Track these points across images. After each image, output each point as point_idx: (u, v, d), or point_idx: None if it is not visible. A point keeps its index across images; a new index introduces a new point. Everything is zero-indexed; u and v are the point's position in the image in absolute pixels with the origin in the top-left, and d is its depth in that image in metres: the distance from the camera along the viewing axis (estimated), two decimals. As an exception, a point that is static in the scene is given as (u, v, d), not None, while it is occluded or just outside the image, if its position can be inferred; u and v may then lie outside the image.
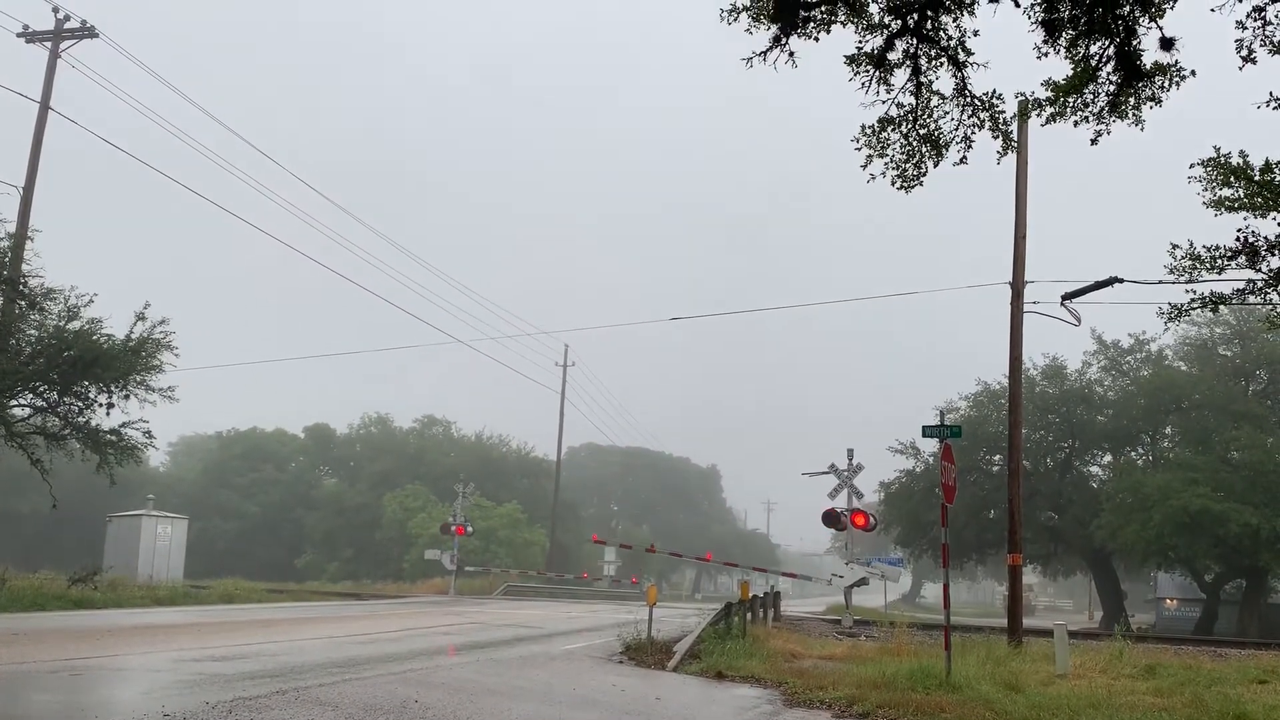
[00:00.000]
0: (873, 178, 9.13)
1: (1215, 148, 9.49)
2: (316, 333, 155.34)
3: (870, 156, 9.05)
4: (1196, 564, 34.28)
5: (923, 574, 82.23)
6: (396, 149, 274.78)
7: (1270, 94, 8.41)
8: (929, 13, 8.11)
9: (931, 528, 38.96)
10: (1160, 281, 11.19)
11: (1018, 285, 20.39)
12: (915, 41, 8.31)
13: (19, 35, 26.65)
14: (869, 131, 8.95)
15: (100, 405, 24.43)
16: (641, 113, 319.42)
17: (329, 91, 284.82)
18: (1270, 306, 11.05)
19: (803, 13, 8.01)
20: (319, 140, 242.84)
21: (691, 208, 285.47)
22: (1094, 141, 8.63)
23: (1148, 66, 8.00)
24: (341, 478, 69.56)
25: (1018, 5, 7.84)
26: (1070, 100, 8.51)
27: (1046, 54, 8.05)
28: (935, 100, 8.76)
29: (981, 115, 8.77)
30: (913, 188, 9.28)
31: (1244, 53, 7.55)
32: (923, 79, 8.56)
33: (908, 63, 8.44)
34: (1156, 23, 7.72)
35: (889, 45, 8.29)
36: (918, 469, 40.82)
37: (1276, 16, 7.41)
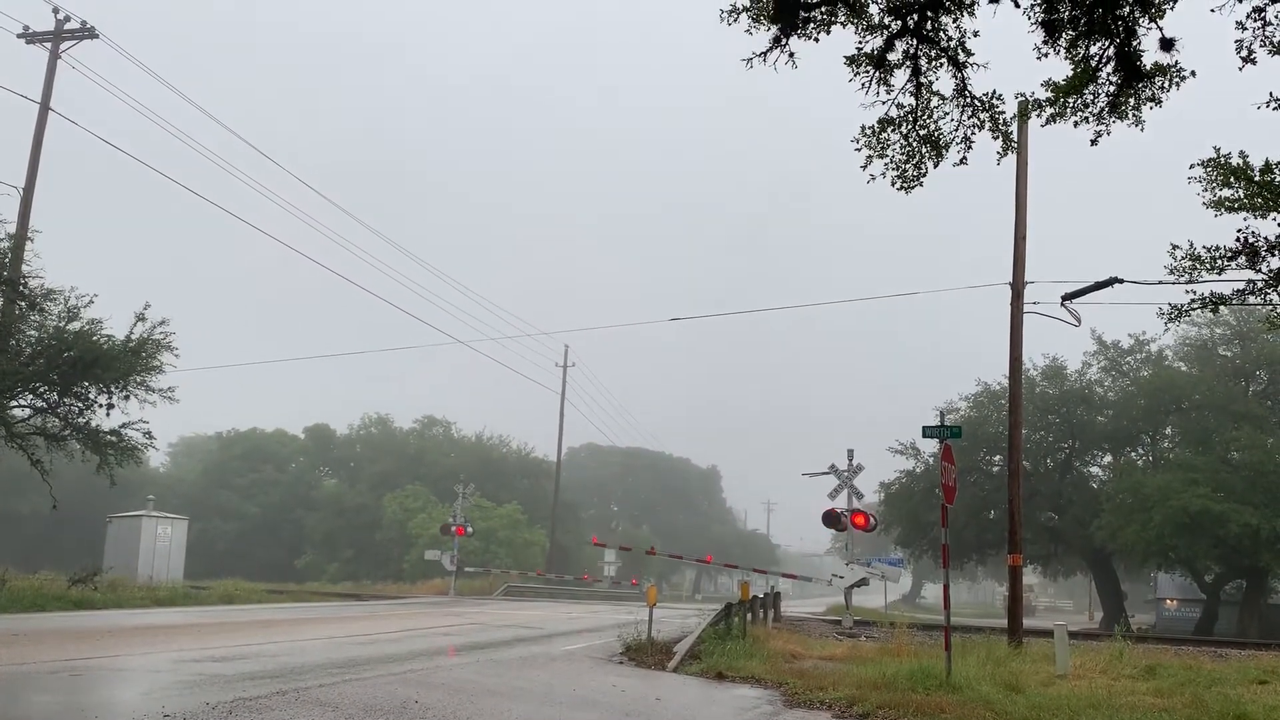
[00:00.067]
0: (873, 178, 9.13)
1: (1215, 148, 9.49)
2: (316, 333, 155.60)
3: (870, 157, 9.05)
4: (1197, 564, 34.28)
5: (923, 574, 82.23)
6: (396, 149, 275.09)
7: (1270, 94, 8.41)
8: (929, 13, 8.11)
9: (932, 528, 38.95)
10: (1160, 282, 11.20)
11: (1018, 286, 20.39)
12: (915, 42, 8.31)
13: (19, 36, 26.66)
14: (869, 132, 8.94)
15: (100, 406, 24.44)
16: (641, 113, 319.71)
17: (329, 92, 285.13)
18: (1270, 307, 11.04)
19: (803, 13, 8.01)
20: (319, 141, 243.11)
21: (691, 208, 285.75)
22: (1094, 142, 8.63)
23: (1148, 67, 8.00)
24: (341, 478, 69.55)
25: (1018, 6, 7.84)
26: (1070, 101, 8.51)
27: (1046, 55, 8.05)
28: (935, 101, 8.76)
29: (981, 116, 8.77)
30: (913, 188, 9.28)
31: (1244, 53, 7.55)
32: (923, 80, 8.56)
33: (908, 63, 8.44)
34: (1156, 23, 7.72)
35: (889, 46, 8.29)
36: (918, 469, 40.82)
37: (1276, 17, 7.41)
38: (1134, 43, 7.87)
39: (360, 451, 71.52)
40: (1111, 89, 8.26)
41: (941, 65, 8.47)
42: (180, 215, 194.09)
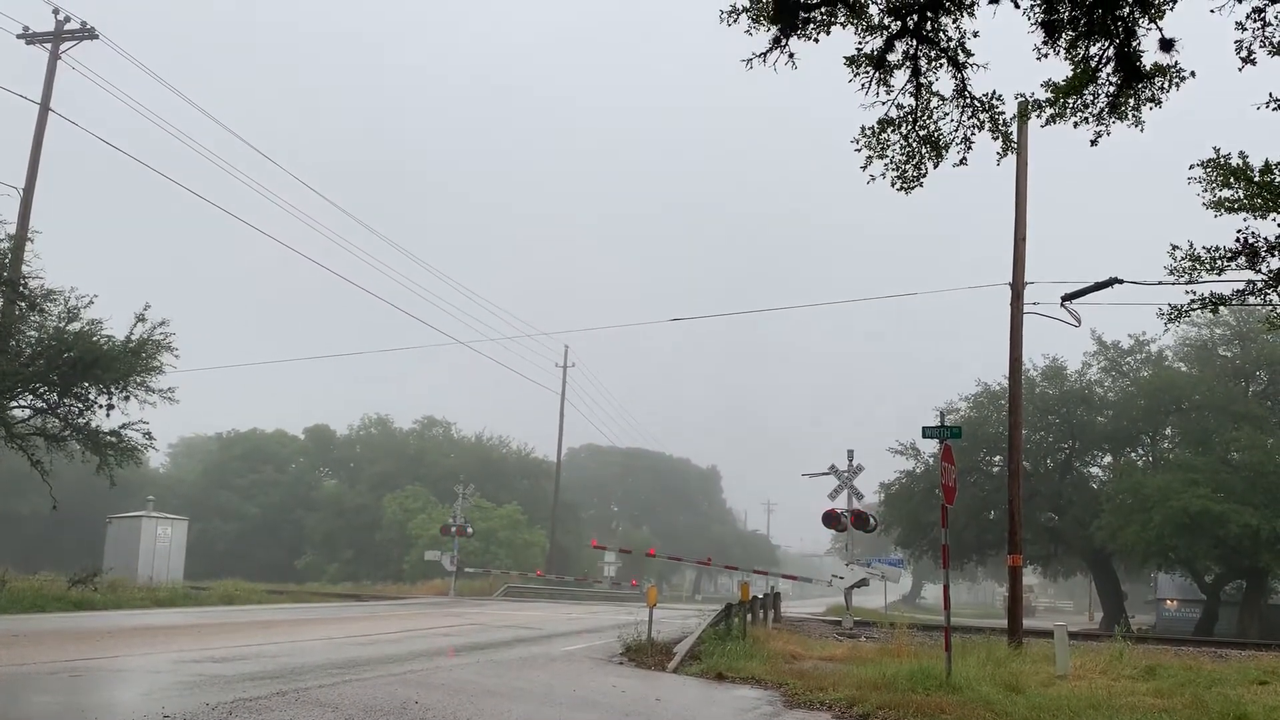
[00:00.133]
0: (873, 179, 9.13)
1: (1215, 149, 9.49)
2: (317, 334, 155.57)
3: (870, 157, 9.05)
4: (1197, 565, 34.28)
5: (923, 575, 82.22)
6: (396, 149, 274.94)
7: (1270, 95, 8.41)
8: (929, 14, 8.11)
9: (932, 528, 38.96)
10: (1160, 282, 11.21)
11: (1018, 286, 20.40)
12: (915, 43, 8.31)
13: (19, 36, 26.67)
14: (869, 132, 8.94)
15: (100, 406, 24.44)
16: (641, 113, 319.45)
17: (329, 92, 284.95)
18: (1270, 308, 11.04)
19: (802, 14, 8.02)
20: (319, 141, 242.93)
21: (691, 208, 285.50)
22: (1094, 143, 8.63)
23: (1148, 68, 8.00)
24: (341, 479, 69.57)
25: (1017, 6, 7.84)
26: (1070, 101, 8.51)
27: (1046, 55, 8.05)
28: (935, 101, 8.76)
29: (981, 116, 8.77)
30: (913, 189, 9.28)
31: (1244, 54, 7.55)
32: (923, 80, 8.56)
33: (907, 64, 8.44)
34: (1156, 24, 7.72)
35: (889, 46, 8.29)
36: (918, 470, 40.83)
37: (1276, 18, 7.41)
38: (1134, 43, 7.87)
39: (360, 452, 71.54)
40: (1111, 90, 8.26)
41: (941, 66, 8.47)
42: (180, 215, 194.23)
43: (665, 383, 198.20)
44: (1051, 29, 7.88)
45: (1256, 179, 9.35)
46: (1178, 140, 17.43)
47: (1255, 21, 7.44)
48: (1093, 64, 8.13)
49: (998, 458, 38.91)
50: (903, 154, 9.06)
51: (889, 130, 8.92)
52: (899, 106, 8.78)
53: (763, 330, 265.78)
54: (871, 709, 10.87)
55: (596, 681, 12.73)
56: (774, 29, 8.03)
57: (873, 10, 8.09)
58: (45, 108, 26.01)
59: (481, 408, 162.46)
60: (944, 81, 8.61)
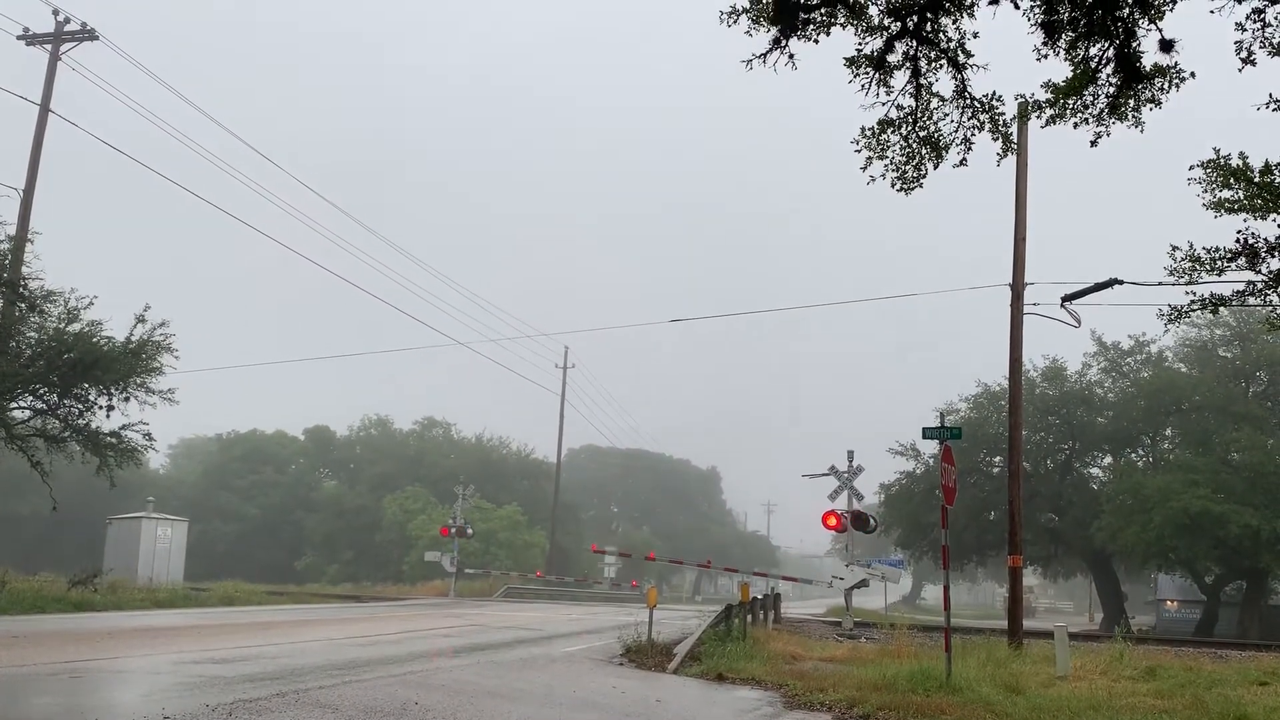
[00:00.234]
0: (873, 179, 9.13)
1: (1215, 149, 9.50)
2: (317, 335, 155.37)
3: (870, 158, 9.06)
4: (1197, 565, 34.27)
5: (923, 576, 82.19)
6: (396, 149, 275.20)
7: (1270, 95, 8.42)
8: (929, 15, 8.12)
9: (932, 529, 38.95)
10: (1160, 283, 11.22)
11: (1018, 287, 20.40)
12: (915, 43, 8.31)
13: (19, 38, 26.67)
14: (869, 133, 8.95)
15: (100, 407, 24.41)
16: (641, 113, 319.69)
17: (329, 92, 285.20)
18: (1270, 308, 11.04)
19: (802, 15, 8.02)
20: (319, 141, 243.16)
21: (691, 208, 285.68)
22: (1094, 143, 8.64)
23: (1147, 68, 8.00)
24: (341, 480, 69.54)
25: (1017, 7, 7.85)
26: (1070, 102, 8.51)
27: (1046, 56, 8.06)
28: (935, 102, 8.77)
29: (981, 117, 8.78)
30: (913, 189, 9.29)
31: (1244, 54, 7.56)
32: (922, 81, 8.57)
33: (907, 65, 8.44)
34: (1156, 25, 7.72)
35: (889, 47, 8.30)
36: (918, 470, 40.82)
37: (1276, 18, 7.42)
38: (1134, 44, 7.87)
39: (360, 453, 71.51)
40: (1111, 90, 8.26)
41: (941, 67, 8.48)
42: (180, 216, 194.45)
43: (665, 383, 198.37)
44: (1051, 30, 7.88)
45: (1256, 179, 9.35)
46: (1178, 141, 17.45)
47: (1255, 22, 7.44)
48: (1093, 65, 8.13)
49: (998, 458, 38.90)
50: (903, 155, 9.07)
51: (889, 131, 8.93)
52: (899, 107, 8.79)
53: (763, 330, 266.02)
54: (872, 710, 10.87)
55: (597, 682, 12.73)
56: (774, 30, 8.03)
57: (873, 11, 8.10)
58: (45, 109, 26.01)
59: (481, 408, 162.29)
60: (944, 82, 8.63)
